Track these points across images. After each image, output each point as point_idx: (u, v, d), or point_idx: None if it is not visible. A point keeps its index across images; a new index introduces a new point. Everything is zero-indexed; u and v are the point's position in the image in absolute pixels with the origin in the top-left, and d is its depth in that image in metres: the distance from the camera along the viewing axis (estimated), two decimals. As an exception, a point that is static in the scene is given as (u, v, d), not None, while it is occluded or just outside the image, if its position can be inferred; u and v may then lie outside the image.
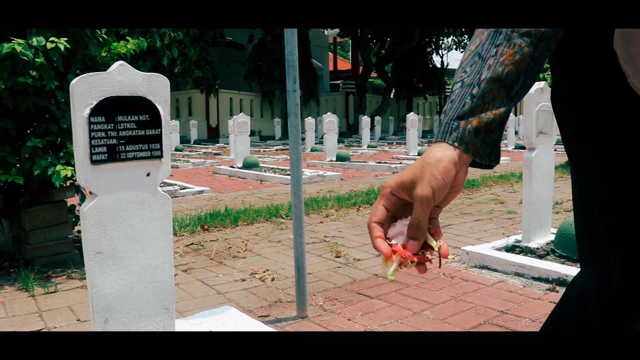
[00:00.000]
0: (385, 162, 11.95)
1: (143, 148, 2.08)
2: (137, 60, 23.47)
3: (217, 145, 23.65)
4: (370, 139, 22.66)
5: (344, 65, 48.44)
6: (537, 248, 3.85)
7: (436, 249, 0.88)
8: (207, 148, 21.07)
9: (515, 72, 0.82)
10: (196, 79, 26.27)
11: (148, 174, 2.11)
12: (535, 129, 3.87)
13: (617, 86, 0.85)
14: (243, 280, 3.58)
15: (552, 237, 4.04)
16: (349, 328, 2.73)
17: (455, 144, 0.82)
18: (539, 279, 3.39)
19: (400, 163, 11.65)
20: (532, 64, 0.84)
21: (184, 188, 8.01)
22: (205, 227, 5.18)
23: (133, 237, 2.08)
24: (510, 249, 3.90)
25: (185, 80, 26.27)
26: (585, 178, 0.96)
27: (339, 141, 23.32)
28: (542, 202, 4.06)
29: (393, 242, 0.88)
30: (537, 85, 3.89)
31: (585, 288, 1.01)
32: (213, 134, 28.79)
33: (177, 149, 18.95)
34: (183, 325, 2.60)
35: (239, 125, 11.88)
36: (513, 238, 4.18)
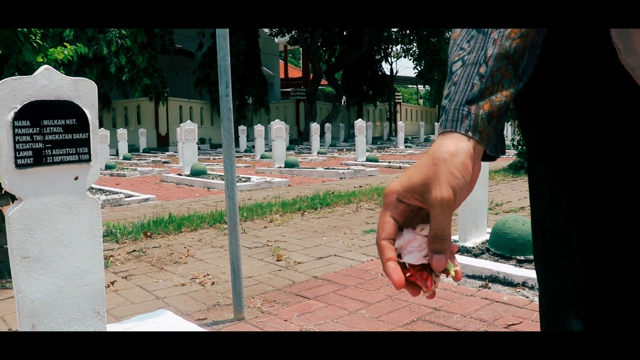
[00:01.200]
0: (334, 168, 12.04)
1: (70, 152, 2.08)
2: (84, 68, 23.09)
3: (167, 153, 23.42)
4: (321, 145, 22.78)
5: (295, 73, 48.57)
6: (473, 247, 3.96)
7: (452, 272, 0.72)
8: (157, 156, 20.85)
9: (522, 47, 0.72)
10: (145, 86, 25.96)
11: (76, 178, 2.11)
12: (468, 131, 3.98)
13: (590, 66, 0.75)
14: (183, 285, 3.59)
15: (488, 237, 4.16)
16: (284, 329, 2.77)
17: (469, 134, 0.70)
18: (473, 277, 3.49)
19: (348, 168, 11.76)
20: (537, 37, 0.73)
21: (130, 196, 7.93)
22: (148, 234, 5.15)
23: (61, 241, 2.08)
24: (447, 249, 3.99)
25: (134, 88, 25.92)
26: (539, 170, 0.87)
27: (289, 148, 23.37)
28: (477, 203, 4.18)
29: (405, 259, 0.72)
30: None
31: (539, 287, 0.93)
32: (163, 143, 28.49)
33: (125, 158, 18.71)
34: (116, 329, 2.59)
35: (186, 133, 11.82)
36: (451, 238, 4.28)
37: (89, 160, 2.13)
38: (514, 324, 2.74)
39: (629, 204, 0.76)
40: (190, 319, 2.91)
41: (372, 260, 4.09)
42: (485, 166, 4.20)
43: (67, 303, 2.11)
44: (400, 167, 13.36)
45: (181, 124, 12.11)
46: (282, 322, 2.86)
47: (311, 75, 34.94)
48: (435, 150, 0.70)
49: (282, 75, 43.36)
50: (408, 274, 0.72)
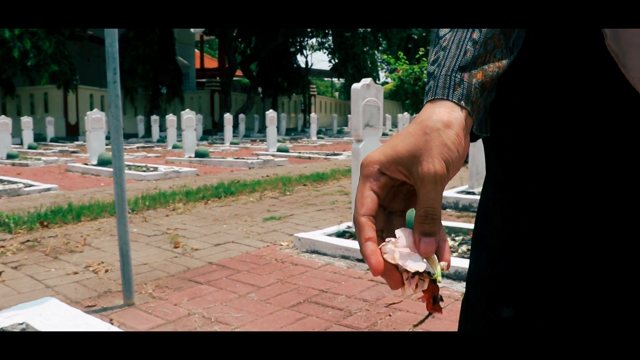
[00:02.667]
0: (243, 158, 12.06)
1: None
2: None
3: (76, 143, 22.65)
4: (235, 136, 22.69)
5: (212, 63, 47.96)
6: (366, 233, 4.11)
7: (439, 277, 0.59)
8: (65, 146, 20.15)
9: None
10: (52, 73, 24.96)
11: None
12: (362, 122, 4.13)
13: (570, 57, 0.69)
14: (76, 273, 3.56)
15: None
16: (173, 313, 2.82)
17: (462, 103, 0.62)
18: (362, 260, 3.63)
19: (258, 158, 11.81)
20: None
21: (30, 186, 7.69)
22: (45, 223, 5.04)
23: None
24: (341, 234, 4.13)
25: (40, 75, 24.91)
26: (490, 154, 0.82)
27: (203, 139, 23.16)
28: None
29: (408, 266, 0.58)
30: (364, 81, 4.15)
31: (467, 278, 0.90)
32: (72, 132, 27.56)
33: (30, 147, 18.01)
34: (-4, 316, 2.56)
35: (93, 122, 11.54)
36: (345, 224, 4.42)
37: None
38: (394, 303, 2.90)
39: (559, 191, 0.72)
40: (78, 306, 2.91)
41: (268, 246, 4.18)
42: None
43: (-60, 288, 2.08)
44: (309, 158, 13.53)
45: (88, 113, 11.80)
46: (172, 307, 2.90)
47: (226, 65, 34.64)
48: (426, 118, 0.61)
49: (198, 66, 42.73)
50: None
